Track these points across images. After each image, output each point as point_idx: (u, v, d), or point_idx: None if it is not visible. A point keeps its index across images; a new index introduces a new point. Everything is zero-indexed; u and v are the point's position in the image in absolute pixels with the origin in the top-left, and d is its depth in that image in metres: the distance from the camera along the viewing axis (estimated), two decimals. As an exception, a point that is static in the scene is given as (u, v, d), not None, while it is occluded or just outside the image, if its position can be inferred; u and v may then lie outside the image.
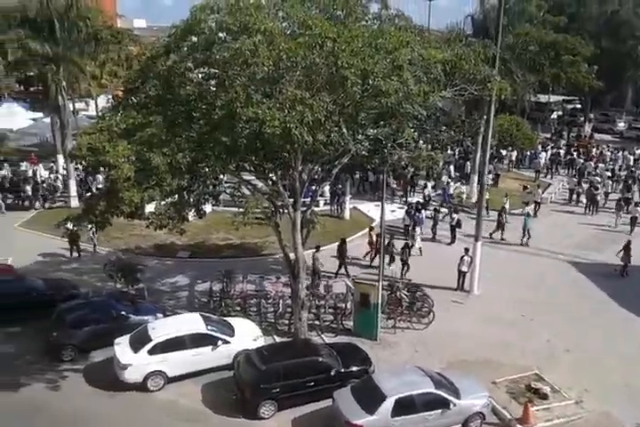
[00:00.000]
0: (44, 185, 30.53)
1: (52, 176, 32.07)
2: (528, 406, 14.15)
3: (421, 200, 28.98)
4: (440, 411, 13.59)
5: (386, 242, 22.31)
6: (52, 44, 27.97)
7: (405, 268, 21.84)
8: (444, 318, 18.57)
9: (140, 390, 15.17)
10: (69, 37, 28.48)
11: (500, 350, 17.04)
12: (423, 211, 26.49)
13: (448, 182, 31.28)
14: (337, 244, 22.42)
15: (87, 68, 30.58)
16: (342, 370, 15.00)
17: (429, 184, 30.64)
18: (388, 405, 13.24)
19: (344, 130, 13.40)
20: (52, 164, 33.40)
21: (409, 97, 13.26)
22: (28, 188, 29.74)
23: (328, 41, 12.29)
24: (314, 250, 20.85)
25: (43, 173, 32.76)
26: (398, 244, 22.59)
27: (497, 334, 17.91)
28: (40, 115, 41.84)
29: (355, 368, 15.26)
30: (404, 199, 30.44)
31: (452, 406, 13.62)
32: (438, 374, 14.73)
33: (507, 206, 26.95)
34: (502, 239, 25.64)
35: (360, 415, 13.19)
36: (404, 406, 13.33)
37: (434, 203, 28.88)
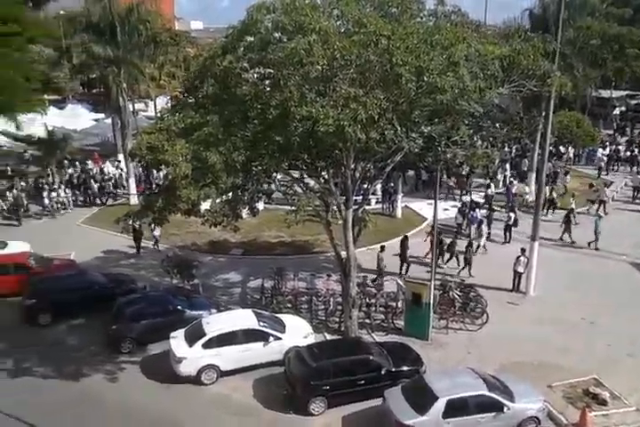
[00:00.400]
0: (111, 182, 31.76)
1: (116, 173, 33.27)
2: (586, 411, 13.68)
3: (477, 199, 28.46)
4: (493, 414, 13.33)
5: (448, 241, 22.21)
6: (114, 47, 29.08)
7: (467, 266, 21.59)
8: (498, 320, 18.18)
9: (194, 384, 15.56)
10: (130, 41, 29.53)
11: (557, 354, 16.53)
12: (477, 210, 26.01)
13: (512, 182, 30.57)
14: (400, 240, 22.39)
15: (146, 69, 31.68)
16: (393, 369, 14.93)
17: (493, 184, 30.03)
18: (440, 406, 13.08)
19: (397, 127, 13.30)
20: (117, 162, 34.63)
21: (465, 93, 13.07)
22: (96, 185, 31.00)
23: (383, 38, 12.25)
24: (378, 250, 21.11)
25: (110, 169, 34.05)
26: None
27: (554, 337, 17.39)
28: (102, 116, 43.58)
29: (405, 368, 15.16)
30: (460, 197, 29.92)
31: (505, 409, 13.33)
32: (491, 376, 14.45)
33: (574, 207, 26.00)
34: (572, 242, 24.64)
35: (411, 416, 13.09)
36: (456, 408, 13.14)
37: (496, 203, 28.25)
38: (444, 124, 14.95)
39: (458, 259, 22.11)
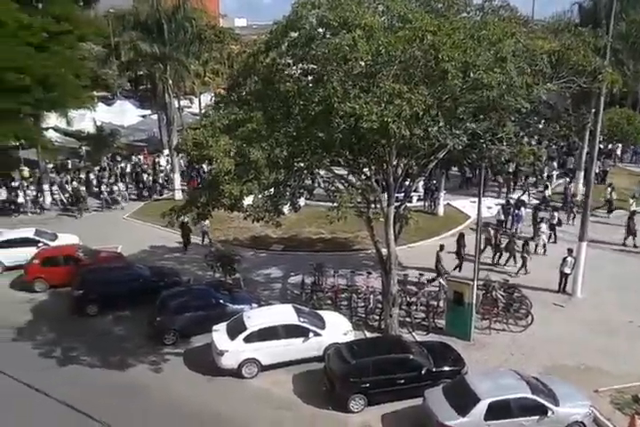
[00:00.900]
0: (162, 175, 32.53)
1: (167, 168, 34.03)
2: (635, 418, 13.20)
3: (523, 197, 27.91)
4: (536, 418, 13.03)
5: (505, 240, 21.96)
6: (161, 44, 29.62)
7: (523, 266, 21.23)
8: (542, 321, 17.77)
9: (235, 377, 15.76)
10: (176, 38, 30.02)
11: (604, 358, 16.03)
12: (523, 208, 25.46)
13: (569, 182, 29.78)
14: (456, 238, 22.26)
15: (192, 66, 32.12)
16: (434, 369, 14.78)
17: (550, 185, 29.33)
18: (482, 407, 12.87)
19: (442, 124, 13.12)
20: (167, 156, 35.37)
21: (512, 90, 12.80)
22: (150, 178, 31.84)
23: (428, 34, 12.10)
24: (437, 249, 20.72)
25: (163, 162, 34.83)
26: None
27: (601, 341, 16.87)
28: (148, 112, 44.55)
29: (447, 368, 14.99)
30: (506, 195, 29.30)
31: (549, 413, 13.02)
32: (535, 378, 14.13)
33: (635, 208, 24.95)
34: (635, 246, 23.70)
35: (452, 417, 12.93)
36: (498, 410, 12.90)
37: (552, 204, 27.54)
38: (489, 120, 14.69)
39: (515, 258, 21.65)
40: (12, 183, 30.53)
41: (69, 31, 26.03)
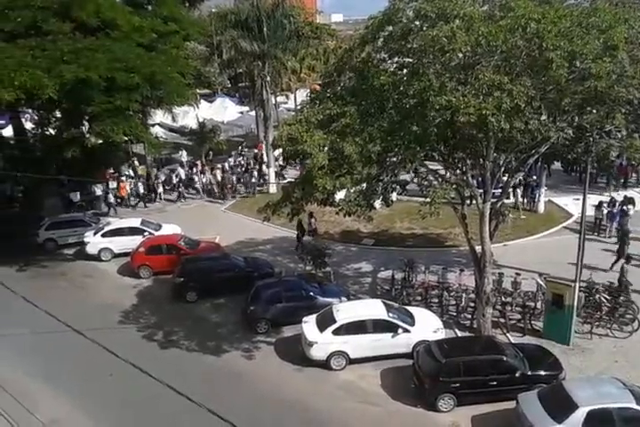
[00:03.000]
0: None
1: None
2: None
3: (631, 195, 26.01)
4: (642, 431, 12.20)
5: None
6: (260, 42, 30.39)
7: None
8: (651, 329, 16.56)
9: (323, 368, 15.98)
10: (274, 35, 30.67)
11: None
12: (625, 206, 23.74)
13: None
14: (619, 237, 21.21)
15: (289, 63, 32.70)
16: (528, 373, 14.23)
17: None
18: (580, 415, 12.21)
19: (544, 116, 12.51)
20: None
21: (623, 80, 11.97)
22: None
23: (532, 22, 11.59)
24: (623, 261, 18.85)
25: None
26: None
27: None
28: (246, 108, 45.90)
29: (543, 372, 14.37)
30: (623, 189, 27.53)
31: (657, 427, 12.14)
32: (641, 389, 13.20)
33: None
34: None
35: (547, 423, 12.38)
36: (598, 420, 12.17)
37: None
38: (597, 112, 13.82)
39: None
40: (160, 175, 32.94)
41: (176, 31, 27.28)
